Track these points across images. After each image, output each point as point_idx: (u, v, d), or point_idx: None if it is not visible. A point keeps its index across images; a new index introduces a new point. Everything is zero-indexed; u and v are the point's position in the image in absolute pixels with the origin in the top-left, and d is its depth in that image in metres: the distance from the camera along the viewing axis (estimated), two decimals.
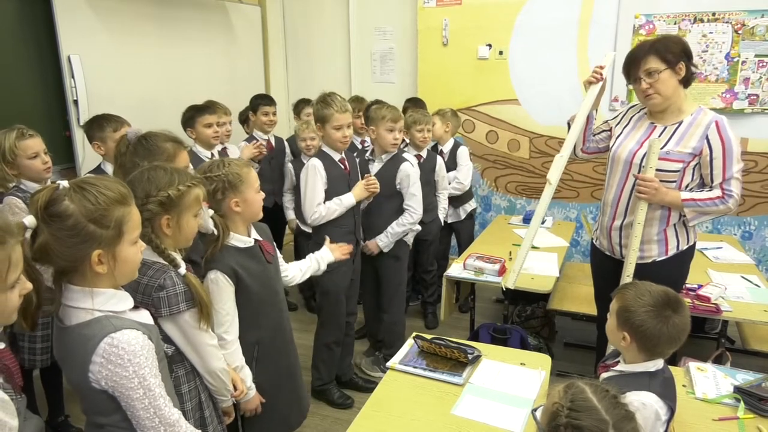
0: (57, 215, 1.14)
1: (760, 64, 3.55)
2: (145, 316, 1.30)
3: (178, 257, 1.52)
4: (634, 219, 2.21)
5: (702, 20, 3.62)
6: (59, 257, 1.16)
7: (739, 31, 3.55)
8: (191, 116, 3.08)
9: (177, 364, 1.52)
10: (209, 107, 3.11)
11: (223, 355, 1.72)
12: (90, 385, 1.17)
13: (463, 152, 3.65)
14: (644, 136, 2.22)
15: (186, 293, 1.46)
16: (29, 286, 1.07)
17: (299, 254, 3.74)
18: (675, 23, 3.67)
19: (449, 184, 3.56)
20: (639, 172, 2.18)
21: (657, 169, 2.15)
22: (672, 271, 2.24)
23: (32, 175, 2.28)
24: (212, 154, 3.11)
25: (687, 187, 2.18)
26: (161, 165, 1.55)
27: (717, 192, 2.13)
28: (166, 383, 1.28)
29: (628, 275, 2.22)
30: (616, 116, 2.40)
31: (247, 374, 1.80)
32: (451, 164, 3.62)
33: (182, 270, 1.48)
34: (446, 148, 3.66)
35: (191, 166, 2.97)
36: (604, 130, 2.45)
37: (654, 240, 2.24)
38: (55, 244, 1.14)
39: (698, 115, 2.14)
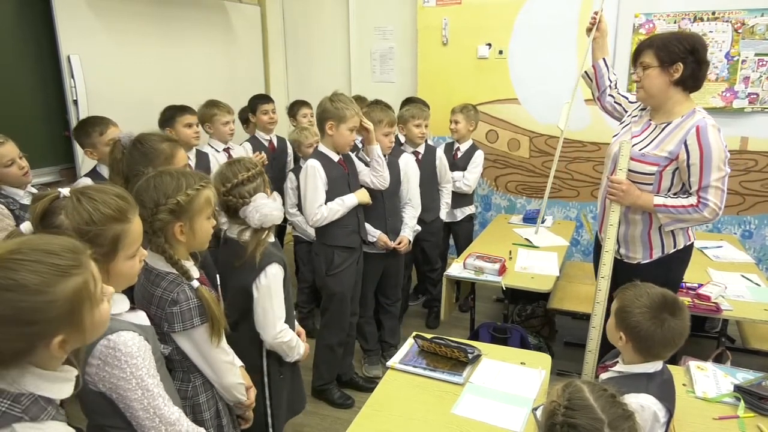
0: (51, 229, 1.12)
1: (760, 63, 3.55)
2: (141, 318, 1.29)
3: (192, 268, 1.49)
4: (606, 221, 2.21)
5: (702, 19, 3.62)
6: None
7: (739, 30, 3.55)
8: (171, 116, 2.97)
9: (194, 374, 1.51)
10: (187, 108, 3.01)
11: (287, 342, 1.82)
12: (87, 387, 1.17)
13: (479, 156, 3.67)
14: (639, 131, 2.20)
15: (199, 308, 1.43)
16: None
17: (300, 263, 3.67)
18: (675, 22, 3.67)
19: (456, 182, 3.59)
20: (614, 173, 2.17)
21: (632, 171, 2.14)
22: (659, 274, 2.11)
23: (11, 182, 2.24)
24: (188, 158, 3.03)
25: (669, 191, 2.12)
26: (166, 170, 1.51)
27: (692, 200, 2.05)
28: (165, 382, 1.28)
29: (602, 276, 2.20)
30: (635, 102, 2.37)
31: (299, 344, 1.90)
32: (464, 164, 3.65)
33: (195, 283, 1.44)
34: (464, 146, 3.67)
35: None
36: (619, 103, 2.44)
37: (638, 242, 2.21)
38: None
39: (687, 118, 2.07)
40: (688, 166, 2.03)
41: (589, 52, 2.48)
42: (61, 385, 0.98)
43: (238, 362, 1.68)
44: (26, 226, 1.13)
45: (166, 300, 1.41)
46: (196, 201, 1.45)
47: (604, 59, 2.46)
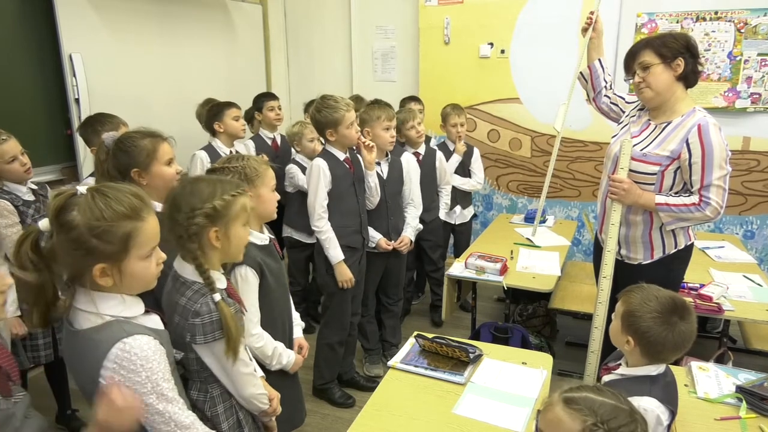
0: (63, 225, 1.12)
1: (763, 63, 3.54)
2: (155, 321, 1.27)
3: (219, 278, 1.47)
4: (608, 220, 2.21)
5: (704, 19, 3.61)
6: (64, 264, 1.16)
7: (742, 30, 3.54)
8: (219, 111, 3.16)
9: (211, 384, 1.49)
10: (233, 102, 3.22)
11: (260, 348, 1.77)
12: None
13: (477, 154, 3.74)
14: (638, 132, 2.19)
15: (220, 321, 1.40)
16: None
17: (294, 267, 3.67)
18: (677, 22, 3.66)
19: (470, 180, 3.63)
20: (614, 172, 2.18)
21: (634, 171, 2.14)
22: (659, 275, 2.10)
23: (12, 178, 2.28)
24: (231, 152, 3.14)
25: (670, 190, 2.12)
26: (202, 177, 1.52)
27: (694, 198, 2.05)
28: (177, 387, 1.26)
29: (604, 276, 2.21)
30: (632, 102, 2.37)
31: (283, 353, 1.85)
32: (465, 164, 3.67)
33: (217, 296, 1.41)
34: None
35: (206, 162, 3.02)
36: (615, 104, 2.44)
37: (639, 242, 2.22)
38: (60, 252, 1.14)
39: (688, 117, 2.07)
40: (690, 164, 2.03)
41: (584, 53, 2.46)
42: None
43: (260, 372, 1.67)
44: (44, 223, 1.14)
45: (189, 310, 1.40)
46: (232, 207, 1.45)
47: (599, 60, 2.45)
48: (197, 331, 1.39)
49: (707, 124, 2.01)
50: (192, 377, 1.49)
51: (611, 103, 2.45)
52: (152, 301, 1.31)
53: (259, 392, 1.56)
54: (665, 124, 2.11)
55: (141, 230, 1.18)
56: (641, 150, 2.13)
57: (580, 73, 2.51)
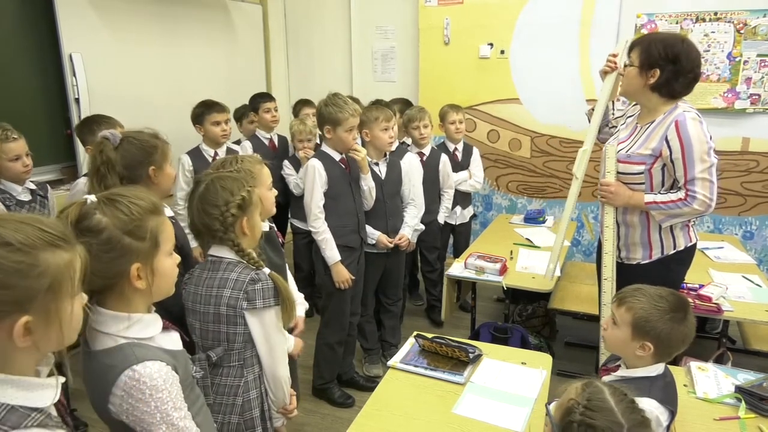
0: (90, 230, 1.08)
1: (762, 64, 3.54)
2: (174, 340, 1.24)
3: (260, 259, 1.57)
4: (602, 223, 2.22)
5: (704, 20, 3.61)
6: (95, 275, 1.06)
7: (741, 31, 3.54)
8: (201, 113, 3.11)
9: (248, 368, 1.56)
10: (217, 105, 3.15)
11: None
12: (110, 415, 1.13)
13: (477, 154, 3.73)
14: (626, 137, 2.21)
15: (274, 289, 1.51)
16: None
17: (297, 254, 3.74)
18: (677, 23, 3.66)
19: (467, 181, 3.63)
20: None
21: (621, 173, 2.15)
22: (658, 274, 2.12)
23: (10, 176, 2.30)
24: (216, 153, 3.13)
25: (662, 187, 2.12)
26: (223, 174, 1.61)
27: (681, 194, 2.05)
28: (195, 405, 1.24)
29: (605, 278, 2.21)
30: (619, 117, 2.40)
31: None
32: (465, 164, 3.67)
33: (267, 270, 1.53)
34: (460, 146, 3.66)
35: (187, 167, 3.03)
36: (611, 125, 2.45)
37: (638, 243, 2.23)
38: (90, 262, 1.06)
39: (669, 114, 2.06)
40: (672, 161, 2.04)
41: (605, 93, 2.29)
42: (41, 392, 0.88)
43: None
44: None
45: (244, 281, 1.49)
46: (253, 196, 1.59)
47: (612, 101, 2.44)
48: (257, 295, 1.48)
49: (685, 119, 2.00)
50: (229, 361, 1.53)
51: (611, 128, 2.46)
52: (165, 315, 1.29)
53: (288, 377, 1.63)
54: (648, 124, 2.13)
55: (165, 224, 1.19)
56: (626, 152, 2.14)
57: (591, 109, 2.43)
